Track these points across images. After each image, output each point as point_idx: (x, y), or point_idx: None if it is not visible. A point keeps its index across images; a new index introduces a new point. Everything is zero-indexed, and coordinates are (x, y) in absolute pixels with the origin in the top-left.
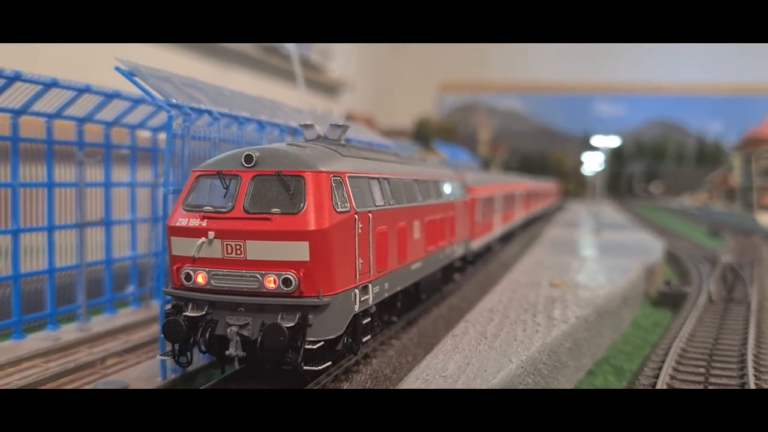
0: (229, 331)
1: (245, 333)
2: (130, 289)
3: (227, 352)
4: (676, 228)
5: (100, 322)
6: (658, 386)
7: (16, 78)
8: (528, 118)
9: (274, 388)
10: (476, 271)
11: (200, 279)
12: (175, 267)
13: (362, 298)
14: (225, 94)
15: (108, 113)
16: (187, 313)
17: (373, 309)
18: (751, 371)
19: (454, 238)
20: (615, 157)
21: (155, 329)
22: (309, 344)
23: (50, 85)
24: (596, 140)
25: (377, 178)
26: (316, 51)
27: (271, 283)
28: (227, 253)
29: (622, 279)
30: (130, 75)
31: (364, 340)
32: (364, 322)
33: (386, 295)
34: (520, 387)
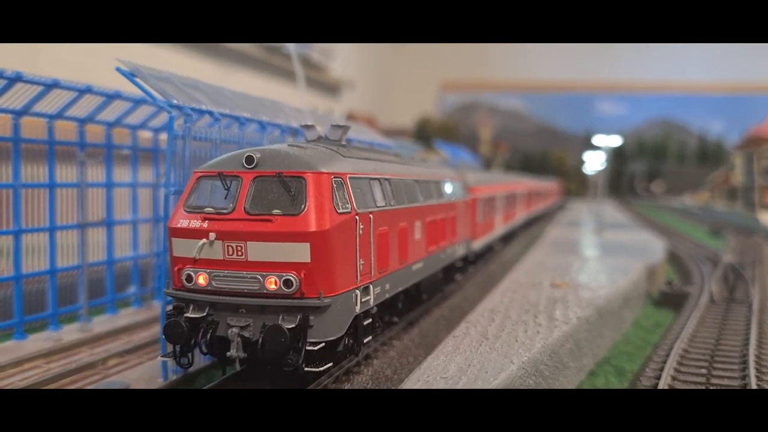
0: (230, 332)
1: (246, 334)
2: (132, 289)
3: (228, 354)
4: (678, 227)
5: (101, 323)
6: (660, 387)
7: (17, 79)
8: (529, 117)
9: (274, 388)
10: (477, 271)
11: (201, 280)
12: (176, 268)
13: (363, 299)
14: (226, 95)
15: (109, 114)
16: (188, 315)
17: (374, 310)
18: (752, 372)
19: (455, 238)
20: (616, 156)
21: (156, 330)
22: (310, 345)
23: (51, 86)
24: (598, 139)
25: (378, 179)
26: (317, 50)
27: (272, 284)
28: (228, 255)
29: (623, 279)
30: (130, 76)
31: (365, 341)
32: (365, 323)
33: (387, 295)
34: (521, 386)
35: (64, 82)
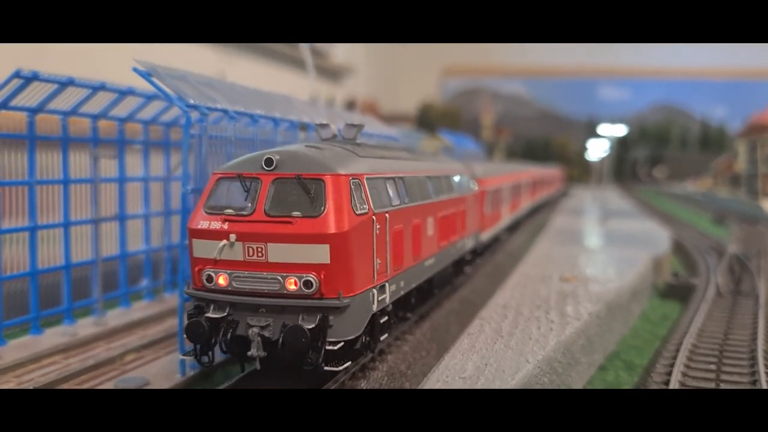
0: (250, 332)
1: (266, 334)
2: (144, 282)
3: (249, 353)
4: (681, 215)
5: (115, 316)
6: (671, 384)
7: (33, 78)
8: (531, 102)
9: (289, 388)
10: (484, 263)
11: (221, 281)
12: (196, 269)
13: (380, 298)
14: (239, 91)
15: (121, 109)
16: (209, 315)
17: (390, 307)
18: (762, 368)
19: (465, 231)
20: (619, 141)
21: (170, 323)
22: (330, 345)
23: (66, 83)
24: (603, 129)
25: (393, 178)
26: None
27: (292, 284)
28: (248, 256)
29: (631, 272)
30: (147, 75)
31: (381, 338)
32: (381, 321)
33: (402, 292)
34: (537, 387)
35: (78, 79)
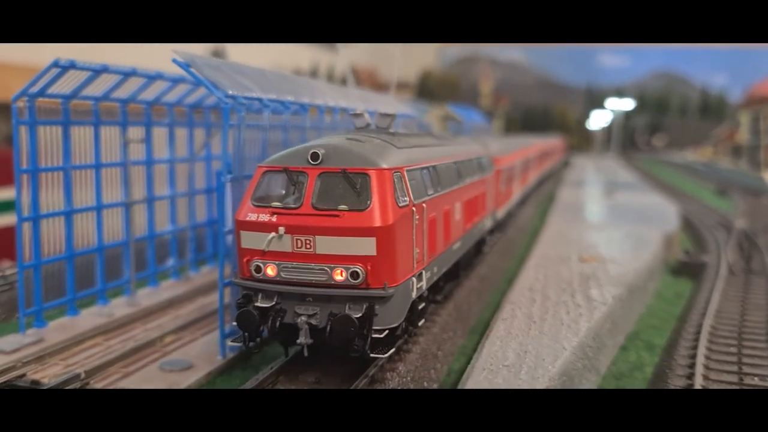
0: (299, 320)
1: (313, 322)
2: (171, 261)
3: (298, 341)
4: (683, 187)
5: (146, 296)
6: (697, 367)
7: (70, 66)
8: (530, 70)
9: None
10: (496, 239)
11: (270, 271)
12: (244, 259)
13: (418, 285)
14: (268, 77)
15: (149, 93)
16: (258, 304)
17: (426, 293)
18: None
19: (484, 212)
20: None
21: (201, 303)
22: (376, 333)
23: (101, 70)
24: (610, 103)
25: (427, 168)
26: None
27: (339, 275)
28: (297, 247)
29: (646, 252)
30: (186, 66)
31: (419, 323)
32: (419, 307)
33: (435, 278)
34: (573, 372)
35: (112, 66)
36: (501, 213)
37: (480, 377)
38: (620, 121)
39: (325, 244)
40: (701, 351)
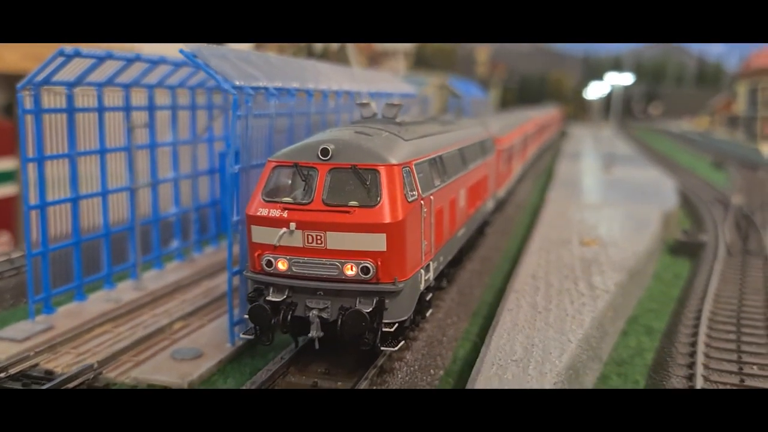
0: (310, 314)
1: (324, 315)
2: (175, 243)
3: (310, 334)
4: (681, 159)
5: (151, 279)
6: (698, 354)
7: (75, 55)
8: None
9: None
10: (494, 217)
11: (281, 266)
12: (255, 254)
13: (425, 277)
14: (273, 63)
15: (151, 78)
16: (269, 298)
17: (433, 283)
18: None
19: (487, 194)
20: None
21: (206, 287)
22: (386, 327)
23: (105, 57)
24: (610, 78)
25: (434, 158)
26: None
27: (349, 270)
28: (308, 243)
29: (646, 233)
30: (192, 57)
31: (427, 315)
32: (427, 298)
33: (441, 267)
34: (579, 364)
35: (116, 53)
36: (502, 192)
37: (490, 372)
38: (619, 94)
39: (336, 240)
40: (701, 338)
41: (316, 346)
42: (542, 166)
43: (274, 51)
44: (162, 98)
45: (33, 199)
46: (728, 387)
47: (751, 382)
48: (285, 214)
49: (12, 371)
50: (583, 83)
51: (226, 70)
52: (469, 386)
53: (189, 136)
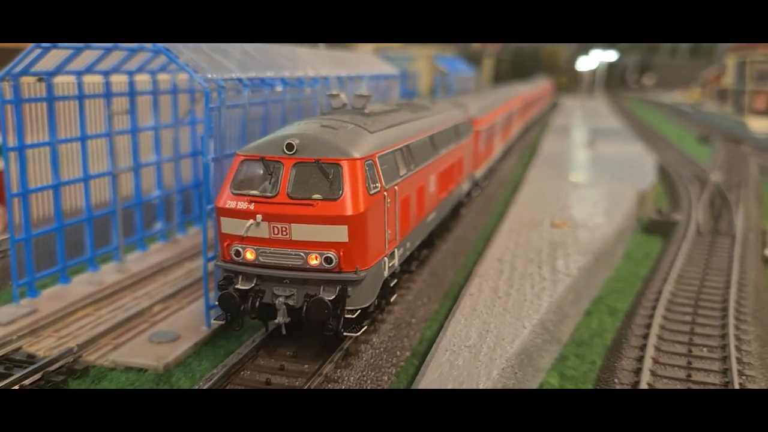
0: (277, 301)
1: (290, 302)
2: (158, 225)
3: (276, 321)
4: (668, 132)
5: (135, 261)
6: (650, 337)
7: (52, 47)
8: None
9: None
10: (476, 194)
11: (249, 255)
12: (225, 244)
13: (390, 264)
14: (250, 53)
15: (131, 64)
16: (238, 286)
17: (398, 270)
18: (732, 321)
19: (461, 177)
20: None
21: (188, 268)
22: (348, 313)
23: (83, 48)
24: (595, 55)
25: (401, 149)
26: None
27: (313, 260)
28: (274, 234)
29: (618, 214)
30: (166, 50)
31: (391, 300)
32: (391, 284)
33: (408, 253)
34: (532, 348)
35: (94, 44)
36: (480, 172)
37: (443, 359)
38: (604, 68)
39: (301, 231)
40: (656, 320)
41: (283, 331)
42: (529, 140)
43: None
44: (143, 84)
45: (15, 187)
46: (676, 368)
47: (698, 365)
48: (252, 207)
49: None
50: (577, 54)
51: (199, 62)
52: (421, 372)
53: (171, 119)
